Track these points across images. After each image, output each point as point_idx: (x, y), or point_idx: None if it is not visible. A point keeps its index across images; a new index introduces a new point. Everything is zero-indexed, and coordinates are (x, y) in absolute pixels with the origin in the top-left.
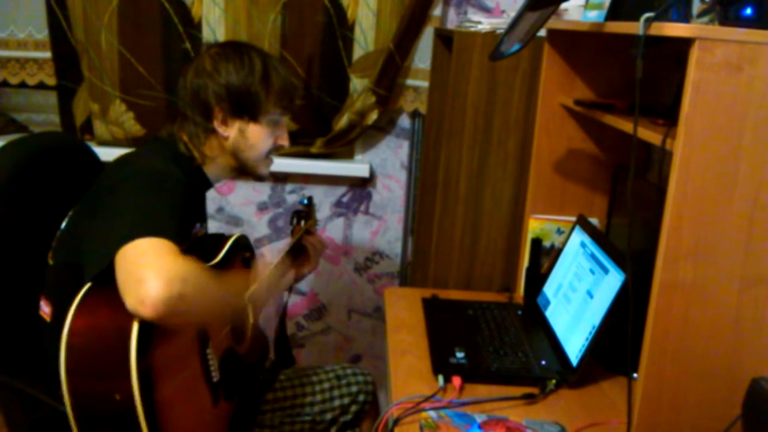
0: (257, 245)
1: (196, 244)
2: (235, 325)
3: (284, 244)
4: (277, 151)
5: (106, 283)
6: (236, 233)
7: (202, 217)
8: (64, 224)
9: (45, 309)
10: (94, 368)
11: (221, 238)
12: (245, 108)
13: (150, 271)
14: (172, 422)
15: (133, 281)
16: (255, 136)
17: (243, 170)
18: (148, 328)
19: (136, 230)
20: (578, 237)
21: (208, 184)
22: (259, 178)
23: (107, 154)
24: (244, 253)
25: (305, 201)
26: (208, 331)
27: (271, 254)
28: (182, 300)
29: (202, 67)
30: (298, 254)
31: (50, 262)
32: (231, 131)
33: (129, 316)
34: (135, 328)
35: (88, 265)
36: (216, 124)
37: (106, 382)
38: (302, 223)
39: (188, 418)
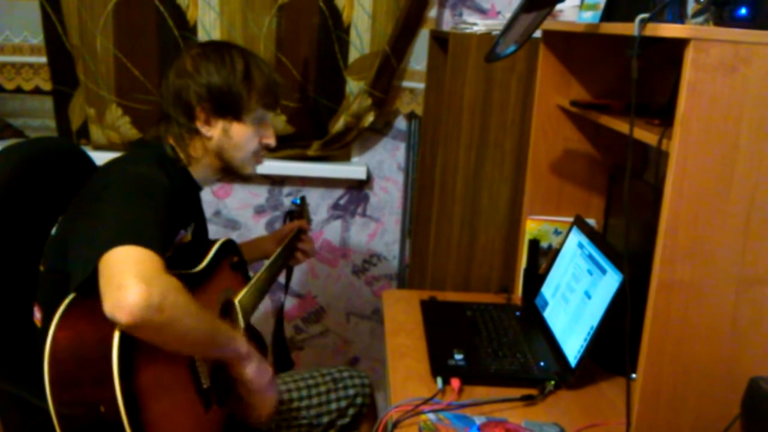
0: None
1: (180, 250)
2: None
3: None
4: (264, 150)
5: (91, 293)
6: (222, 238)
7: (199, 219)
8: (54, 230)
9: (37, 315)
10: (78, 380)
11: (207, 244)
12: (227, 107)
13: (130, 278)
14: (160, 431)
15: (113, 286)
16: (239, 136)
17: (229, 170)
18: (130, 339)
19: (120, 238)
20: (576, 238)
21: (196, 187)
22: (246, 178)
23: (103, 158)
24: (231, 257)
25: (297, 201)
26: None
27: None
28: (160, 311)
29: (183, 68)
30: (290, 255)
31: (41, 268)
32: (214, 131)
33: (112, 327)
34: (116, 338)
35: (73, 273)
36: (199, 124)
37: (90, 394)
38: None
39: (178, 425)
